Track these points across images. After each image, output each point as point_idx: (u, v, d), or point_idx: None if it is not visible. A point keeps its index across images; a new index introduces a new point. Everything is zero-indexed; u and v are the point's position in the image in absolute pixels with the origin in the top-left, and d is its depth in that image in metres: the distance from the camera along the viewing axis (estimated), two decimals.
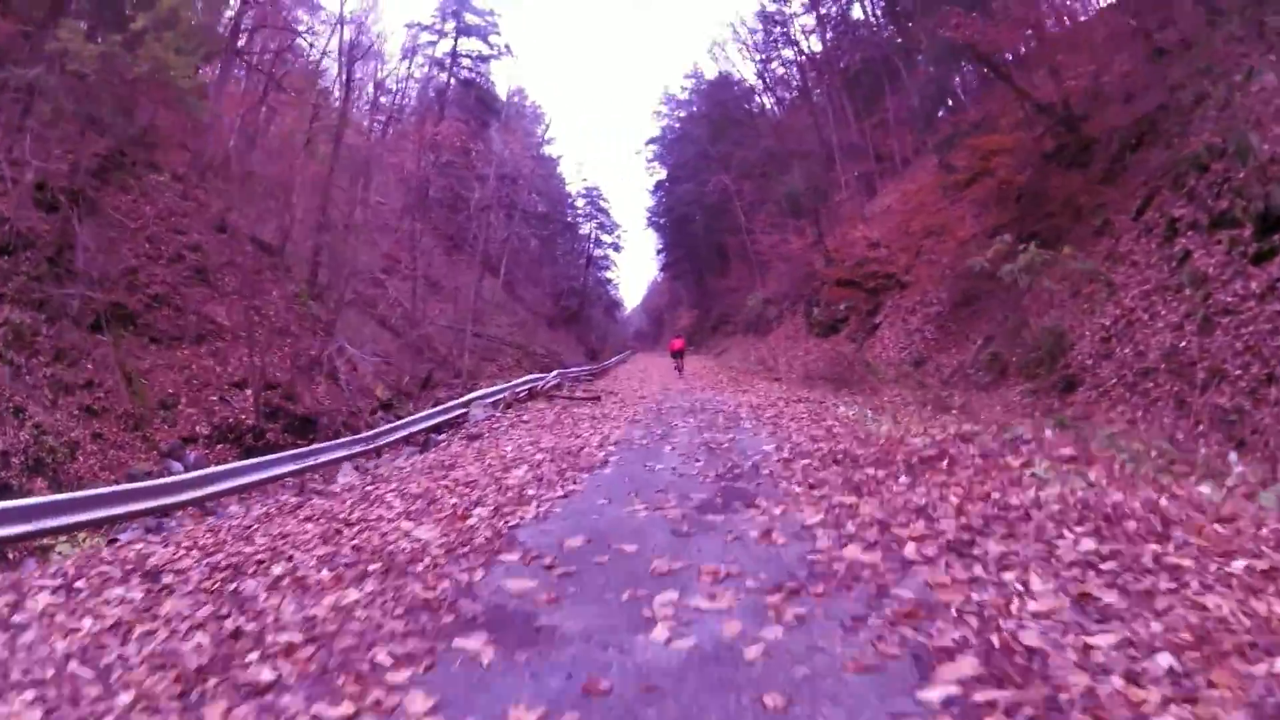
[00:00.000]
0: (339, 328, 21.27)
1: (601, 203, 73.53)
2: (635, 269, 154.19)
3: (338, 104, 44.52)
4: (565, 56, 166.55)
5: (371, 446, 9.67)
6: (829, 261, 27.44)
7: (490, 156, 47.29)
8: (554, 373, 19.53)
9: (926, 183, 27.80)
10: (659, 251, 72.92)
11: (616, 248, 76.28)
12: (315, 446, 9.33)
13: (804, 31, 44.14)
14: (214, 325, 16.93)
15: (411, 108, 55.39)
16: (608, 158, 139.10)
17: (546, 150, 70.62)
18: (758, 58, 49.99)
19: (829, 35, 40.64)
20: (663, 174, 64.83)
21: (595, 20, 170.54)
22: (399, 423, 10.61)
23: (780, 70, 49.45)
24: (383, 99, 55.90)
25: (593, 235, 74.51)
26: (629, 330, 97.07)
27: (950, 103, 26.55)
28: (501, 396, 13.61)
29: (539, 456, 7.70)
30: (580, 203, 73.42)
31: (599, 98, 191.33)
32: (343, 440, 9.74)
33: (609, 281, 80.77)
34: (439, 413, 11.44)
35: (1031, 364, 13.34)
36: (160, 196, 19.87)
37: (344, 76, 27.91)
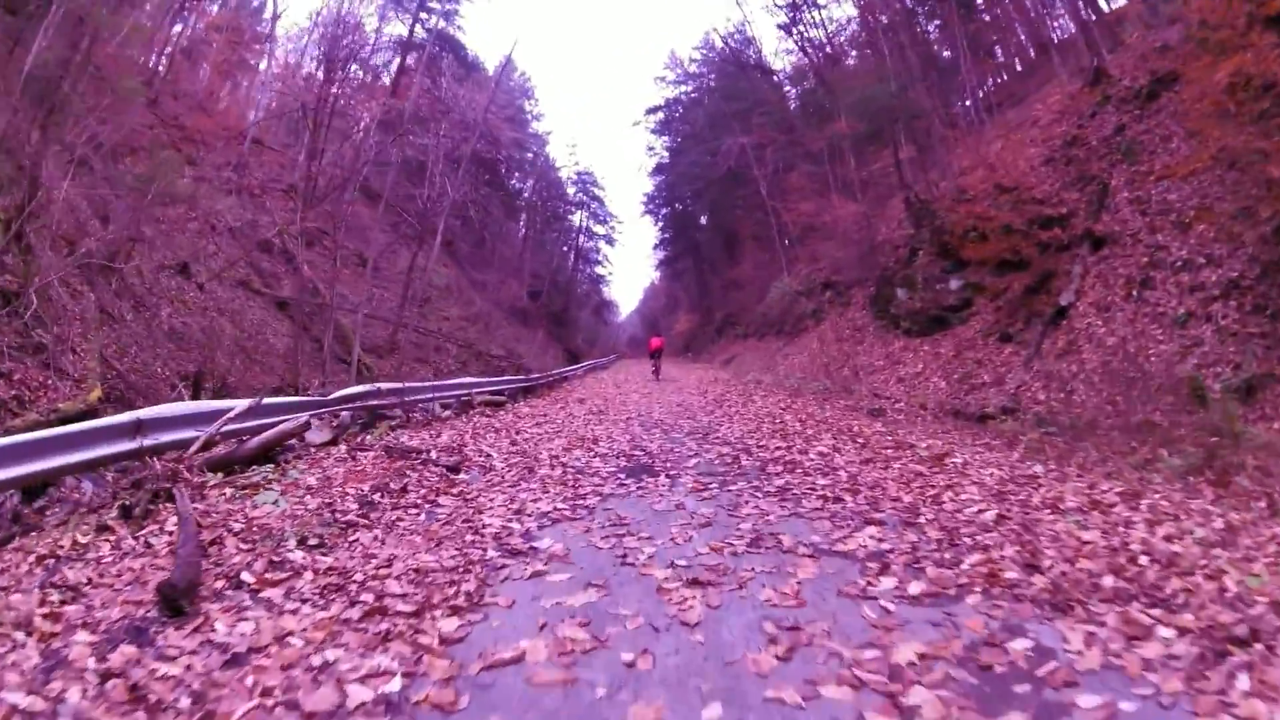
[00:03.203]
0: (34, 289, 9.69)
1: (595, 190, 61.99)
2: (631, 273, 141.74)
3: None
4: (561, 38, 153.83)
5: None
6: (923, 209, 15.85)
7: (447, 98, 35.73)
8: (370, 387, 8.26)
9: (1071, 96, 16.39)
10: (656, 246, 61.24)
11: (610, 240, 64.57)
12: None
13: None
14: None
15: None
16: (604, 149, 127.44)
17: (535, 127, 59.17)
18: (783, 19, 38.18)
19: None
20: (664, 155, 53.13)
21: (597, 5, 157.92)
22: None
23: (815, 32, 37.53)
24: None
25: (583, 225, 62.93)
26: (622, 336, 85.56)
27: None
28: None
29: None
30: (571, 189, 61.82)
31: (599, 88, 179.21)
32: None
33: (600, 279, 69.17)
34: None
35: None
36: None
37: None
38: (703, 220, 52.05)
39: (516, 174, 54.91)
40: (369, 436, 7.47)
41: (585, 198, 61.78)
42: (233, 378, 16.12)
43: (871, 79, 21.28)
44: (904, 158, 20.04)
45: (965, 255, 12.31)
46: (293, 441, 7.39)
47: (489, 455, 6.00)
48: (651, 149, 56.16)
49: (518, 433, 7.64)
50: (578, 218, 62.29)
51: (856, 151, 24.90)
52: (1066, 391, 9.42)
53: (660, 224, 57.50)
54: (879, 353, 15.35)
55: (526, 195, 58.38)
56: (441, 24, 45.72)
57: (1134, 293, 10.55)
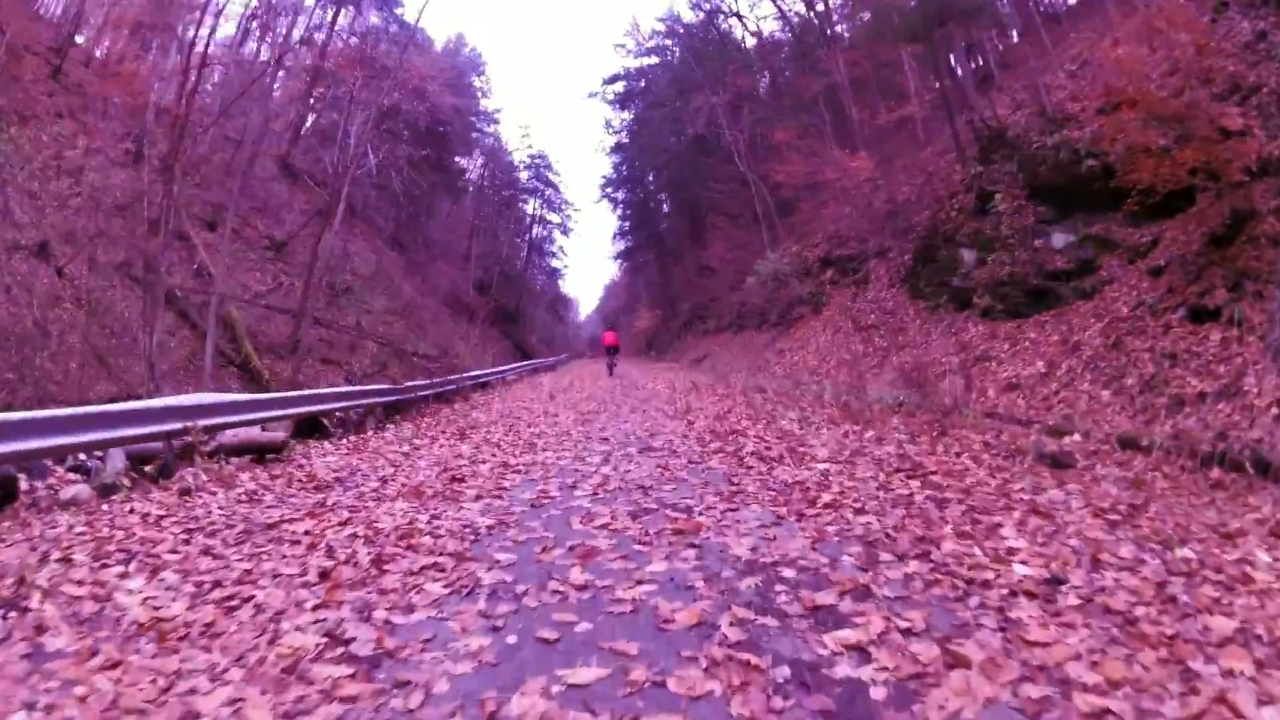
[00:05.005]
0: None
1: (549, 174, 56.16)
2: (591, 271, 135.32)
3: None
4: (516, 13, 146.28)
5: None
6: (994, 138, 10.80)
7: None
8: None
9: None
10: (616, 235, 55.68)
11: (565, 230, 58.67)
12: None
13: None
14: None
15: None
16: (560, 133, 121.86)
17: (485, 104, 52.93)
18: None
19: None
20: (623, 132, 47.59)
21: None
22: None
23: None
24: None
25: (537, 213, 57.06)
26: (582, 336, 79.92)
27: None
28: None
29: None
30: (524, 174, 55.81)
31: (555, 69, 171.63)
32: None
33: (556, 272, 63.30)
34: None
35: None
36: None
37: None
38: (665, 206, 46.83)
39: (461, 151, 48.70)
40: None
41: (539, 183, 55.96)
42: (52, 386, 10.97)
43: None
44: (945, 84, 14.99)
45: (1135, 178, 7.26)
46: None
47: None
48: (610, 124, 50.30)
49: None
50: (531, 205, 56.49)
51: (859, 95, 19.89)
52: None
53: (619, 210, 52.01)
54: (943, 345, 10.22)
55: (473, 176, 52.32)
56: None
57: None
